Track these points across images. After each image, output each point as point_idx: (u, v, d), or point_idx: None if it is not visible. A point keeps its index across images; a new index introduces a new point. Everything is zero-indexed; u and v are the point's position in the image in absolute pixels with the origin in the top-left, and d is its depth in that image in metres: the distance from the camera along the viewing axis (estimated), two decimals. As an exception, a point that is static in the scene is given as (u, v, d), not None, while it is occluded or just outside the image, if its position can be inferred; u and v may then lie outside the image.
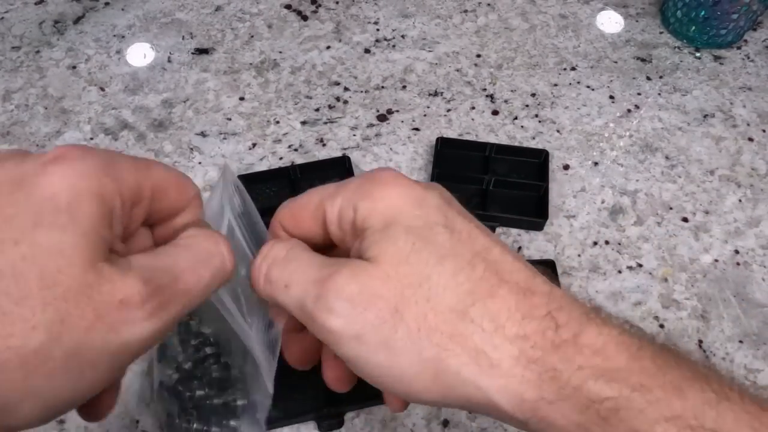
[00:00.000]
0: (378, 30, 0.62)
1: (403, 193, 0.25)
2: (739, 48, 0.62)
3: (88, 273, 0.18)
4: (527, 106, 0.57)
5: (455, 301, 0.23)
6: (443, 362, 0.22)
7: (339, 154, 0.52)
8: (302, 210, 0.27)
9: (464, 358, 0.22)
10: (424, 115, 0.56)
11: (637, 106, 0.57)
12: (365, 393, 0.40)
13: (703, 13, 0.58)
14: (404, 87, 0.57)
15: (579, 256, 0.48)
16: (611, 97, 0.58)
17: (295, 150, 0.53)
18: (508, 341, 0.22)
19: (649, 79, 0.59)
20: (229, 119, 0.55)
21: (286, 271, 0.25)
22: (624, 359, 0.21)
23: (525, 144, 0.54)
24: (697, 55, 0.61)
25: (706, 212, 0.51)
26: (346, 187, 0.26)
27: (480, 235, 0.24)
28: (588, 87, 0.58)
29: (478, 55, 0.60)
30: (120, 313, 0.19)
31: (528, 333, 0.22)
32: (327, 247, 0.27)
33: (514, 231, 0.49)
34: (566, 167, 0.53)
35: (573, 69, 0.59)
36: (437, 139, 0.52)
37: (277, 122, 0.55)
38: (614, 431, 0.20)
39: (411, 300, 0.23)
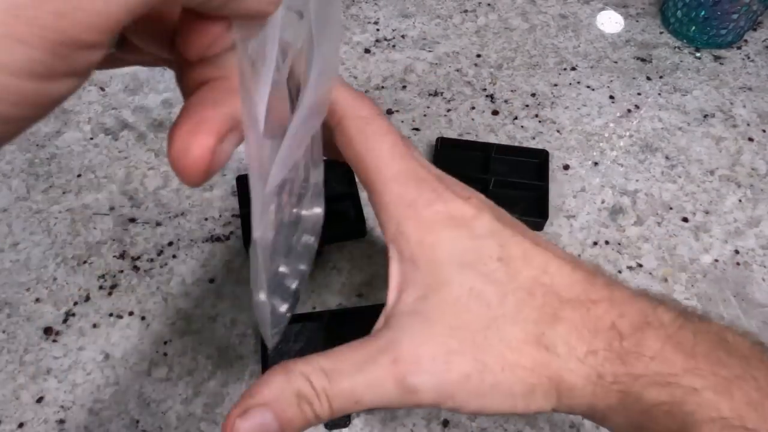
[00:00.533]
0: (378, 30, 0.62)
1: (448, 221, 0.24)
2: (739, 48, 0.62)
3: None
4: (527, 106, 0.57)
5: (525, 334, 0.23)
6: (532, 395, 0.23)
7: (339, 154, 0.52)
8: None
9: (546, 386, 0.23)
10: (424, 115, 0.56)
11: (637, 106, 0.57)
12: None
13: (703, 13, 0.58)
14: (404, 87, 0.57)
15: (579, 256, 0.48)
16: (611, 97, 0.58)
17: (295, 150, 0.53)
18: (580, 362, 0.23)
19: (649, 79, 0.59)
20: (229, 119, 0.55)
21: (347, 392, 0.23)
22: (680, 361, 0.22)
23: (525, 144, 0.54)
24: (697, 55, 0.61)
25: (706, 212, 0.51)
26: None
27: (534, 254, 0.24)
28: (588, 87, 0.58)
29: (478, 55, 0.60)
30: None
31: (597, 348, 0.23)
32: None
33: (514, 231, 0.49)
34: (566, 167, 0.53)
35: (573, 69, 0.59)
36: (437, 139, 0.52)
37: (277, 122, 0.55)
38: (663, 430, 0.22)
39: (484, 345, 0.23)
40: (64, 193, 0.50)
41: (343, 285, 0.46)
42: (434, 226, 0.24)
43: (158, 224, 0.48)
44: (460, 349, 0.22)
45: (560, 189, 0.51)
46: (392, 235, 0.24)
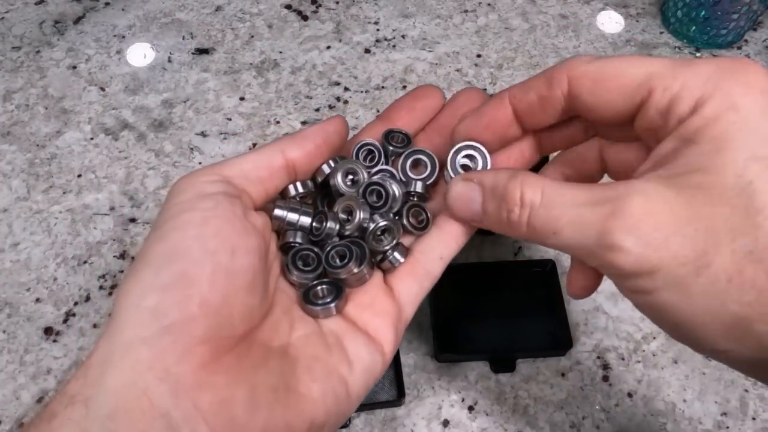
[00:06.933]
0: (378, 30, 0.62)
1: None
2: (739, 48, 0.62)
3: None
4: (527, 106, 0.56)
5: None
6: (746, 322, 0.19)
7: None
8: (613, 79, 0.24)
9: (763, 328, 0.19)
10: (425, 115, 0.56)
11: (637, 106, 0.57)
12: (373, 397, 0.40)
13: (703, 13, 0.58)
14: (404, 87, 0.57)
15: (579, 256, 0.48)
16: (611, 97, 0.57)
17: (296, 150, 0.53)
18: None
19: (649, 79, 0.59)
20: (230, 119, 0.55)
21: (551, 219, 0.22)
22: None
23: (525, 144, 0.54)
24: (698, 55, 0.61)
25: (707, 212, 0.51)
26: (694, 69, 0.22)
27: None
28: (588, 87, 0.58)
29: (479, 55, 0.60)
30: None
31: None
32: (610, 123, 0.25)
33: (514, 231, 0.49)
34: (566, 167, 0.53)
35: (573, 69, 0.59)
36: (437, 139, 0.51)
37: (278, 122, 0.55)
38: None
39: (723, 244, 0.19)
40: (64, 193, 0.50)
41: (344, 285, 0.46)
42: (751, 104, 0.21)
43: (158, 224, 0.48)
44: (691, 235, 0.19)
45: (560, 189, 0.51)
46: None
